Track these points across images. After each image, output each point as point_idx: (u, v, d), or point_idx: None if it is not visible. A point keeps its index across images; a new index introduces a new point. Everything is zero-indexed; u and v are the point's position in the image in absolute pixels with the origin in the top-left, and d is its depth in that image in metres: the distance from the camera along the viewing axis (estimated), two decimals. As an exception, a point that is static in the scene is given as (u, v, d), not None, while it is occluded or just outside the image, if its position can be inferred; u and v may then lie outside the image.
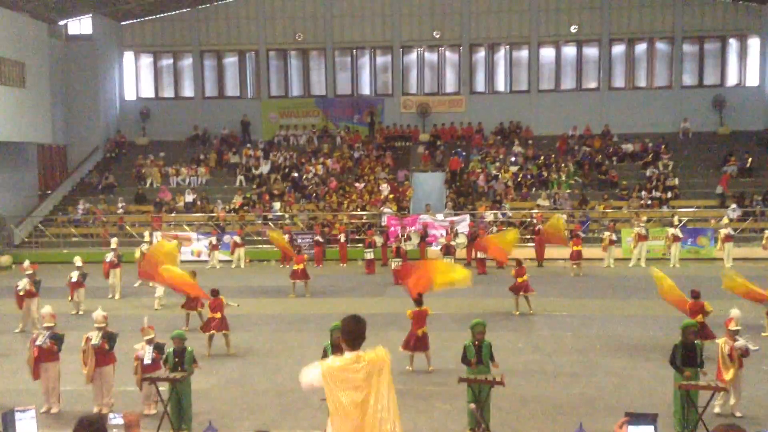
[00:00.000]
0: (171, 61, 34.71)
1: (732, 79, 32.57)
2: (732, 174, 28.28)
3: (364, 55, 34.17)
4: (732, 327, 9.92)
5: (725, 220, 23.97)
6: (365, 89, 34.30)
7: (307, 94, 34.33)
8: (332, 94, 33.99)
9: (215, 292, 13.71)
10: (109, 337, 10.38)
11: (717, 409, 9.87)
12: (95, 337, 10.24)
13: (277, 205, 28.58)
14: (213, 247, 24.88)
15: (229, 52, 34.47)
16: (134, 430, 6.57)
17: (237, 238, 24.81)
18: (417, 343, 12.17)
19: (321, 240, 24.87)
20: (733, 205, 26.00)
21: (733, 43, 32.46)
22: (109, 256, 19.15)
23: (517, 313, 16.37)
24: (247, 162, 31.64)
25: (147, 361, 10.08)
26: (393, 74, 33.78)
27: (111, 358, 10.49)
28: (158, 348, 10.16)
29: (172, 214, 28.43)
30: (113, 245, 19.88)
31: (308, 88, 34.45)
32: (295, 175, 30.47)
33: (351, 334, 5.15)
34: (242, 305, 15.15)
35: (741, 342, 9.79)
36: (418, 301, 12.28)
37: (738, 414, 9.77)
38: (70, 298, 17.22)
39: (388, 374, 5.14)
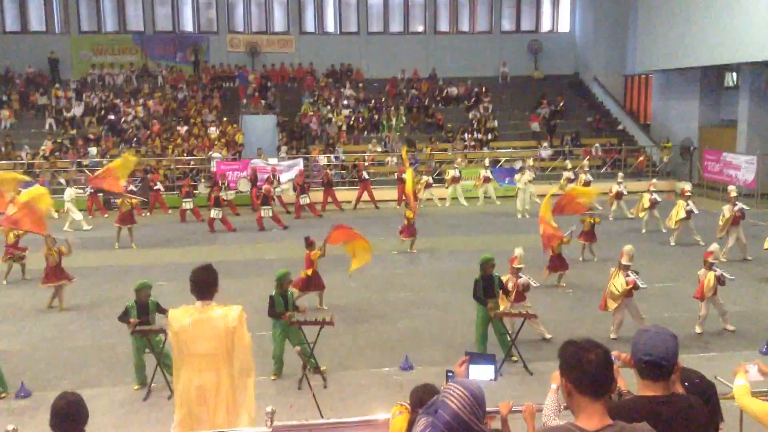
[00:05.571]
0: (-40, -12, 30.47)
1: (546, 26, 34.62)
2: (544, 116, 30.36)
3: (185, -12, 32.12)
4: (624, 261, 10.30)
5: (569, 164, 24.83)
6: (188, 26, 32.38)
7: (123, 29, 31.78)
8: (151, 30, 31.74)
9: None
10: None
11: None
12: None
13: (93, 150, 26.48)
14: None
15: (29, -19, 30.87)
16: None
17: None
18: (307, 283, 12.03)
19: (155, 186, 23.15)
20: (545, 143, 28.00)
21: (546, -9, 34.39)
22: None
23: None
24: (58, 104, 28.89)
25: None
26: (218, 10, 32.14)
27: None
28: None
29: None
30: None
31: (124, 23, 31.88)
32: (112, 117, 28.34)
33: (199, 284, 5.12)
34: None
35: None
36: (311, 245, 12.11)
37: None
38: None
39: (241, 336, 5.10)
